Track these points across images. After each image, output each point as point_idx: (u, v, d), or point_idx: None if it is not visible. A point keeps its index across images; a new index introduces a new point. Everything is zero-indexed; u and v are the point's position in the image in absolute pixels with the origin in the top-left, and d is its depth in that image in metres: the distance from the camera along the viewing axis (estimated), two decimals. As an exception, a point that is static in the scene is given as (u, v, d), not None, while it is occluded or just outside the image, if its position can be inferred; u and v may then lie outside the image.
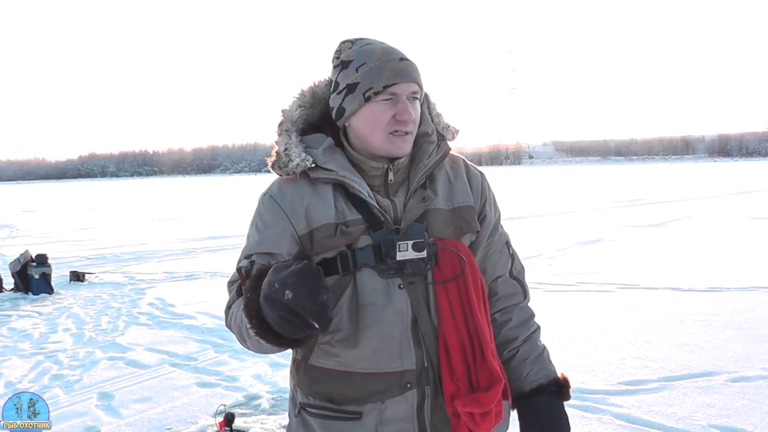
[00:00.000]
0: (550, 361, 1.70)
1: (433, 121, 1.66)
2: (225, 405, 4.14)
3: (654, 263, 9.51)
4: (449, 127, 1.67)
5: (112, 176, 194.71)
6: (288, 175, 1.59)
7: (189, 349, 5.72)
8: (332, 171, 1.55)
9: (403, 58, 1.55)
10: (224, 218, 20.57)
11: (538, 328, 1.73)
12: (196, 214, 24.00)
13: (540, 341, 1.72)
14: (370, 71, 1.53)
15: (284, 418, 4.07)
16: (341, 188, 1.56)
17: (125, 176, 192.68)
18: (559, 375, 1.69)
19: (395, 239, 1.51)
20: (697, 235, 12.69)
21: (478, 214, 1.66)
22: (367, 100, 1.53)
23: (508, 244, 1.74)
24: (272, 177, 1.64)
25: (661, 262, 9.63)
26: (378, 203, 1.55)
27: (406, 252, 1.49)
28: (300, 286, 1.19)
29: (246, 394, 4.52)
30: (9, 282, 8.98)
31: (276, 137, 1.61)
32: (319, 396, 1.58)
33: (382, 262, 1.51)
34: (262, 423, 4.01)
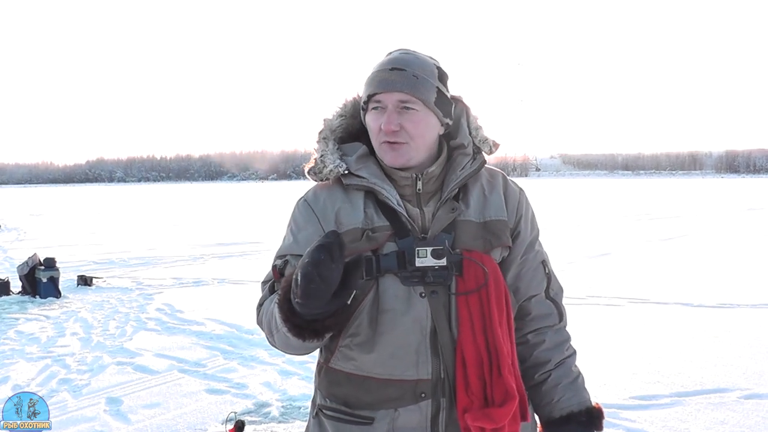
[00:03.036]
0: (585, 389, 1.65)
1: (471, 133, 1.64)
2: (235, 412, 4.12)
3: (663, 278, 9.47)
4: (488, 140, 1.65)
5: (119, 181, 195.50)
6: (322, 180, 1.62)
7: (198, 356, 5.70)
8: (364, 178, 1.57)
9: (395, 68, 1.54)
10: (232, 225, 20.55)
11: (574, 352, 1.68)
12: (204, 220, 24.02)
13: (575, 367, 1.66)
14: (365, 82, 1.59)
15: (294, 427, 4.05)
16: (372, 195, 1.57)
17: (132, 181, 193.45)
18: (593, 404, 1.63)
19: (417, 246, 1.50)
20: (705, 250, 12.64)
21: (512, 230, 1.62)
22: (363, 110, 1.60)
23: (545, 263, 1.69)
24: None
25: (671, 277, 9.59)
26: (407, 212, 1.55)
27: (425, 258, 1.48)
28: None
29: (255, 402, 4.50)
30: (16, 285, 8.98)
31: (315, 145, 1.65)
32: (335, 399, 1.58)
33: (405, 269, 1.50)
34: (272, 431, 3.99)
